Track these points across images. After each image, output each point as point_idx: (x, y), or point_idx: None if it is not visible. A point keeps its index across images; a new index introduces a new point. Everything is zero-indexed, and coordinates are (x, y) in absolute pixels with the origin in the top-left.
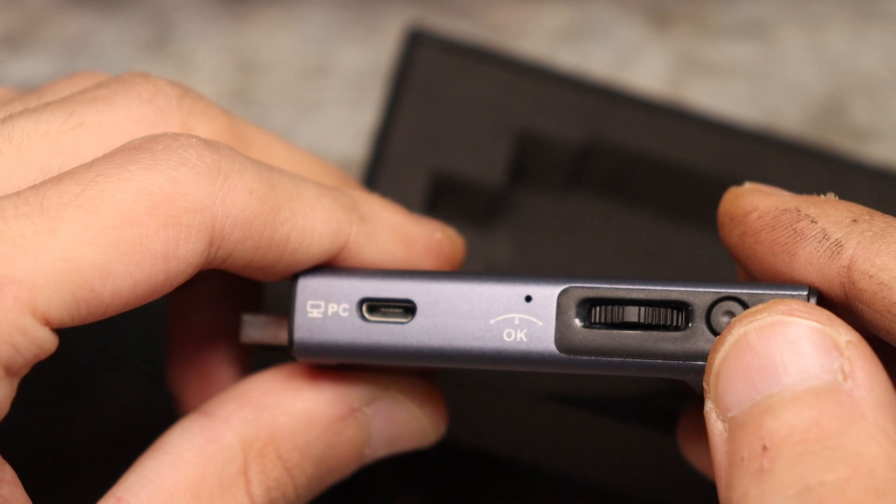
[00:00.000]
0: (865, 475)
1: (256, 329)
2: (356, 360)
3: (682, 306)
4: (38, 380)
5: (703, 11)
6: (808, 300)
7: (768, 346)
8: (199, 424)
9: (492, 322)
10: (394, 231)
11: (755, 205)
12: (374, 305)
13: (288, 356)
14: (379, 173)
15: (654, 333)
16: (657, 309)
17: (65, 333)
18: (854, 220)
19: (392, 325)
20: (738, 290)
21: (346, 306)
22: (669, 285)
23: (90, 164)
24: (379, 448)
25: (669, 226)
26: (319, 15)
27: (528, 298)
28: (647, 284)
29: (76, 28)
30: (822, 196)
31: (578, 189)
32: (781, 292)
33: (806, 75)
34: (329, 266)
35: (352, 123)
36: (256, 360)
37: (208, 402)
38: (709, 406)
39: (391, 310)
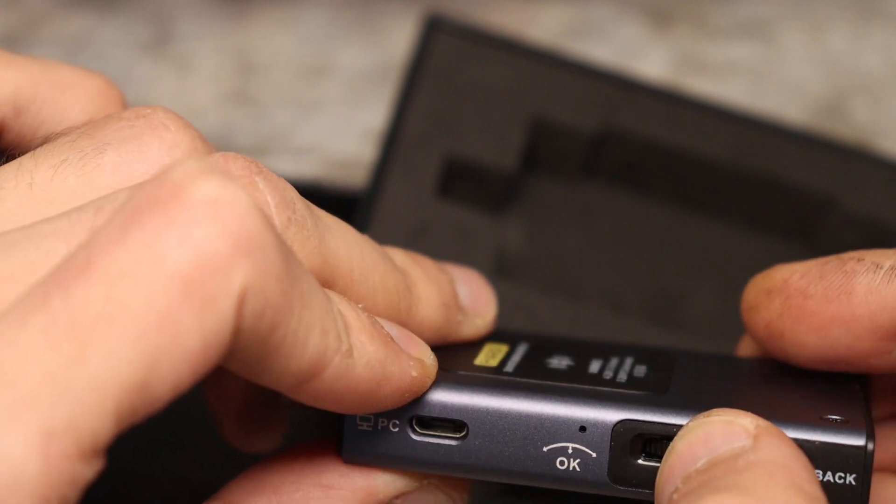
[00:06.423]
0: (735, 492)
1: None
2: (406, 470)
3: None
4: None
5: (703, 11)
6: (866, 447)
7: (687, 446)
8: None
9: (545, 450)
10: (372, 370)
11: (792, 270)
12: (424, 421)
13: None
14: (393, 157)
15: None
16: None
17: None
18: None
19: (442, 443)
20: (798, 434)
21: (397, 422)
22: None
23: (118, 243)
24: None
25: (683, 215)
26: (319, 15)
27: (583, 429)
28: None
29: (76, 28)
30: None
31: (592, 177)
32: (839, 440)
33: (806, 75)
34: None
35: (351, 123)
36: None
37: (234, 490)
38: None
39: (442, 424)
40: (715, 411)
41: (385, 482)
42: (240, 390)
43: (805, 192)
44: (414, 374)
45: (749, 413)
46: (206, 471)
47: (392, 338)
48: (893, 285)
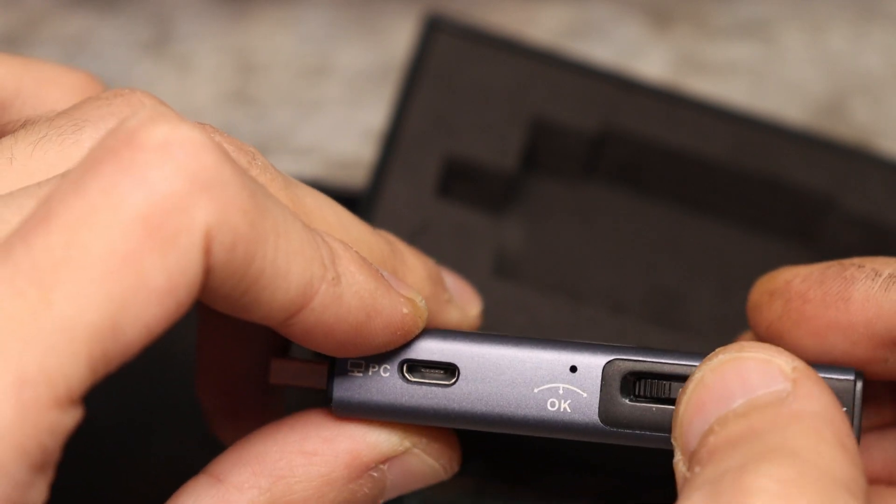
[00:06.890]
0: (787, 457)
1: (286, 375)
2: (396, 420)
3: None
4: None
5: (703, 11)
6: (856, 382)
7: (720, 380)
8: (211, 493)
9: (536, 391)
10: (362, 300)
11: (795, 273)
12: (415, 366)
13: (318, 396)
14: (393, 157)
15: None
16: None
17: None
18: None
19: (433, 388)
20: None
21: (388, 367)
22: None
23: (76, 192)
24: (392, 494)
25: (683, 215)
26: (319, 15)
27: (574, 369)
28: (693, 359)
29: (76, 28)
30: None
31: (592, 177)
32: (830, 375)
33: (806, 75)
34: None
35: (351, 123)
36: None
37: (220, 463)
38: (677, 457)
39: (433, 371)
40: (747, 345)
41: (369, 446)
42: (231, 383)
43: (805, 192)
44: (405, 310)
45: (783, 350)
46: (195, 452)
47: (382, 275)
48: (891, 294)
